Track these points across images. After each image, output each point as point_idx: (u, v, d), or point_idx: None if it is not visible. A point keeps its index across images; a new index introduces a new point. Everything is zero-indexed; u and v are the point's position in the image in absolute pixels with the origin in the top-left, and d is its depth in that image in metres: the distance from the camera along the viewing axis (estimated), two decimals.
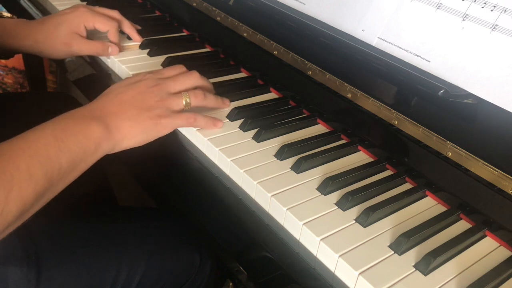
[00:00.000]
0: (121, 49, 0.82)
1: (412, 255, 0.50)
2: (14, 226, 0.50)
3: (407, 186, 0.61)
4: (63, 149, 0.53)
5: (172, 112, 0.62)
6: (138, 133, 0.60)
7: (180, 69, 0.69)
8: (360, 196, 0.56)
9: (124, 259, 0.69)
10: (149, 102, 0.61)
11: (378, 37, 0.65)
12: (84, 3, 0.98)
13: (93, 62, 0.85)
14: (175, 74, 0.67)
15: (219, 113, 0.69)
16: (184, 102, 0.63)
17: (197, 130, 0.64)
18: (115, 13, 0.83)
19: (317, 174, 0.60)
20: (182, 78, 0.66)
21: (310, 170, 0.60)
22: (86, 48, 0.78)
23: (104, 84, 0.79)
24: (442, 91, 0.58)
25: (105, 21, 0.80)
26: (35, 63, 1.44)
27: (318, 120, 0.71)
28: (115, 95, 0.62)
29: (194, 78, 0.67)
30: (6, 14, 0.80)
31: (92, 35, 0.83)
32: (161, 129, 0.61)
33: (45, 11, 0.99)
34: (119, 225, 0.74)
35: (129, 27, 0.85)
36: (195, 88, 0.66)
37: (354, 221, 0.53)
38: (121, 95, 0.61)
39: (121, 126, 0.59)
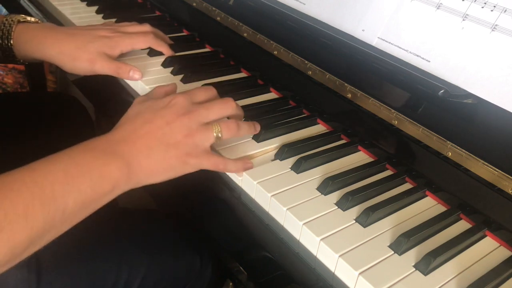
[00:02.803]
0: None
1: (412, 255, 0.50)
2: (3, 270, 0.45)
3: (407, 186, 0.61)
4: (72, 189, 0.48)
5: (202, 151, 0.57)
6: (163, 171, 0.55)
7: (212, 92, 0.63)
8: (360, 196, 0.56)
9: (124, 262, 0.68)
10: (177, 136, 0.55)
11: (378, 37, 0.65)
12: (84, 3, 0.98)
13: None
14: (208, 99, 0.61)
15: None
16: (214, 135, 0.57)
17: None
18: (147, 27, 0.81)
19: (317, 174, 0.60)
20: (216, 107, 0.60)
21: (310, 170, 0.60)
22: (109, 67, 0.73)
23: (104, 84, 0.79)
24: (442, 91, 0.58)
25: (143, 39, 0.78)
26: (35, 63, 1.44)
27: (318, 120, 0.71)
28: (141, 124, 0.56)
29: (230, 108, 0.61)
30: (31, 18, 0.77)
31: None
32: (186, 168, 0.56)
33: (45, 11, 0.99)
34: (120, 228, 0.74)
35: (164, 39, 0.85)
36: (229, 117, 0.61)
37: (354, 221, 0.53)
38: (147, 125, 0.56)
39: (145, 164, 0.54)
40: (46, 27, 0.76)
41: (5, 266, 0.44)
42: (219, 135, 0.57)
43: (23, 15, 0.76)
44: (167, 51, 0.81)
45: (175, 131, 0.56)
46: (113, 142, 0.54)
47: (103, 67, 0.73)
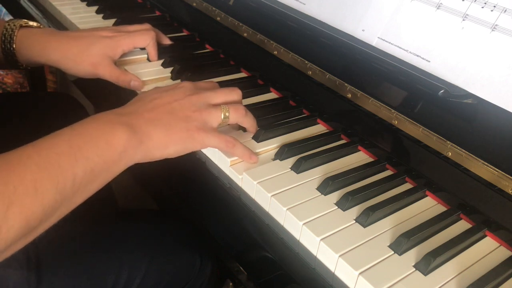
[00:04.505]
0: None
1: (412, 255, 0.50)
2: (21, 244, 0.45)
3: (407, 186, 0.61)
4: (79, 158, 0.47)
5: (211, 128, 0.57)
6: (172, 143, 0.55)
7: (215, 84, 0.65)
8: (360, 196, 0.56)
9: (124, 262, 0.68)
10: (187, 111, 0.56)
11: (378, 37, 0.65)
12: (84, 3, 0.98)
13: None
14: (213, 87, 0.63)
15: None
16: (222, 116, 0.58)
17: None
18: (147, 26, 0.81)
19: (317, 174, 0.60)
20: (223, 91, 0.61)
21: (310, 170, 0.60)
22: (110, 74, 0.73)
23: (104, 84, 0.79)
24: (442, 91, 0.58)
25: (144, 37, 0.78)
26: None
27: (318, 120, 0.71)
28: (150, 101, 0.57)
29: (236, 94, 0.62)
30: (32, 23, 0.78)
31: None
32: (196, 144, 0.56)
33: (45, 11, 0.99)
34: (120, 228, 0.74)
35: (164, 40, 0.85)
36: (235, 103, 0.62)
37: (354, 221, 0.53)
38: (156, 100, 0.57)
39: (154, 133, 0.53)
40: (48, 31, 0.76)
41: (20, 241, 0.45)
42: (227, 114, 0.58)
43: (25, 20, 0.76)
44: (153, 56, 0.81)
45: (184, 106, 0.57)
46: (117, 114, 0.54)
47: (105, 73, 0.73)
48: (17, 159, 0.45)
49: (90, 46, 0.73)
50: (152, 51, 0.80)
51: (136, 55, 0.81)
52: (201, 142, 0.56)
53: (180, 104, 0.57)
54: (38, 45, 0.73)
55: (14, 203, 0.42)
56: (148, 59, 0.81)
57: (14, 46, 0.73)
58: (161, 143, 0.54)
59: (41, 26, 0.78)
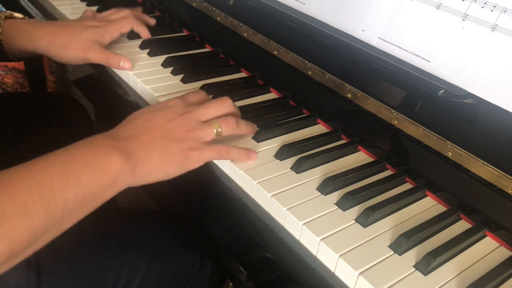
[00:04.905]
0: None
1: (412, 255, 0.50)
2: (5, 268, 0.43)
3: (407, 186, 0.61)
4: (72, 183, 0.47)
5: (203, 143, 0.57)
6: (167, 166, 0.55)
7: (203, 94, 0.65)
8: (360, 196, 0.56)
9: (124, 262, 0.68)
10: (179, 132, 0.56)
11: (378, 37, 0.65)
12: (84, 3, 0.98)
13: None
14: (201, 100, 0.63)
15: None
16: (215, 132, 0.58)
17: None
18: (127, 12, 0.84)
19: (317, 174, 0.60)
20: (214, 105, 0.61)
21: (310, 170, 0.60)
22: (100, 57, 0.75)
23: (104, 83, 0.79)
24: (442, 91, 0.58)
25: (127, 22, 0.82)
26: (35, 63, 1.44)
27: (318, 120, 0.71)
28: (142, 123, 0.57)
29: (227, 106, 0.62)
30: (17, 15, 0.79)
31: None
32: (191, 163, 0.56)
33: (45, 11, 0.99)
34: (119, 228, 0.74)
35: (144, 21, 0.88)
36: (226, 115, 0.61)
37: (354, 221, 0.53)
38: (148, 122, 0.57)
39: (148, 158, 0.53)
40: (34, 21, 0.78)
41: (5, 264, 0.43)
42: (219, 130, 0.58)
43: (10, 11, 0.78)
44: (145, 34, 0.85)
45: (176, 127, 0.57)
46: (114, 138, 0.54)
47: (95, 56, 0.76)
48: (9, 179, 0.44)
49: (79, 34, 0.75)
50: (139, 29, 0.84)
51: (133, 55, 0.81)
52: (197, 160, 0.57)
53: (172, 125, 0.57)
54: (25, 34, 0.75)
55: (1, 225, 0.41)
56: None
57: (1, 37, 0.75)
58: (157, 167, 0.54)
59: (26, 18, 0.79)
